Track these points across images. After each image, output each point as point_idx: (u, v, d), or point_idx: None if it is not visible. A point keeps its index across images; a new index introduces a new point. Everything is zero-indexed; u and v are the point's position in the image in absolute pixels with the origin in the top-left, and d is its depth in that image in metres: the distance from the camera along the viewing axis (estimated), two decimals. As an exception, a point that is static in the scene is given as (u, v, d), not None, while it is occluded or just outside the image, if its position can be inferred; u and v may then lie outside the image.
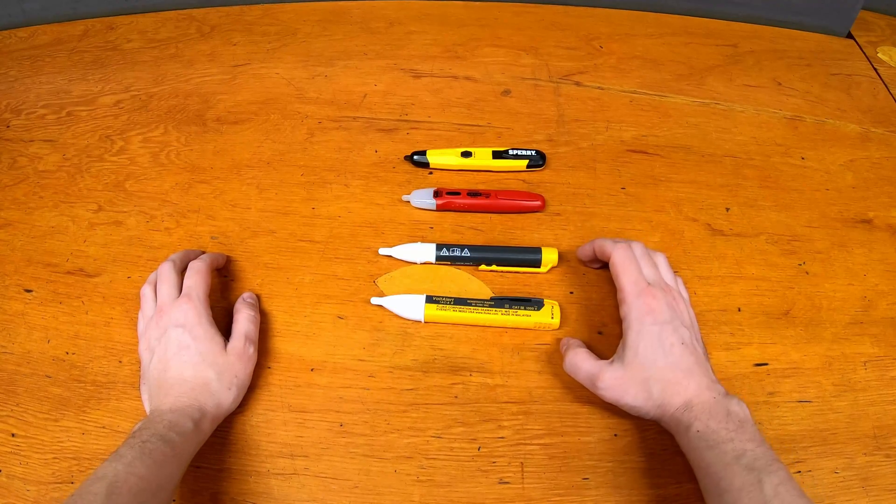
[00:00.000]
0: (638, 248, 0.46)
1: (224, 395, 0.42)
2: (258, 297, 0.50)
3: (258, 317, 0.48)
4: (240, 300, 0.49)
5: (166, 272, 0.46)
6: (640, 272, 0.44)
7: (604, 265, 0.50)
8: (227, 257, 0.53)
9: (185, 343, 0.43)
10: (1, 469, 0.43)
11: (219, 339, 0.44)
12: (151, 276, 0.48)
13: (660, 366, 0.40)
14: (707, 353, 0.43)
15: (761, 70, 0.69)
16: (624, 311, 0.43)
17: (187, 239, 0.54)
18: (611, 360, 0.43)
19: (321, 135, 0.62)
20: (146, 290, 0.47)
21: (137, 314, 0.48)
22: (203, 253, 0.51)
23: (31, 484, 0.42)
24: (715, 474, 0.36)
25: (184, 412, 0.40)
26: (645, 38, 0.72)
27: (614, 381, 0.41)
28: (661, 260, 0.47)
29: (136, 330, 0.48)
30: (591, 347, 0.48)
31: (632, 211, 0.55)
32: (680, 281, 0.47)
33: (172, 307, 0.44)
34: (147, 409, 0.43)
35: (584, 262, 0.52)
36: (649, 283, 0.43)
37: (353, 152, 0.60)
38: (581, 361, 0.43)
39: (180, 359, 0.42)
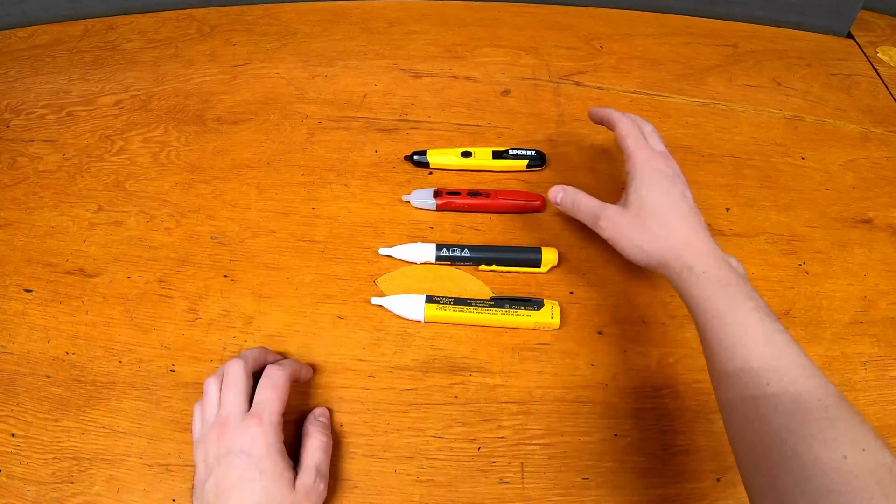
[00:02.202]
0: (647, 126, 0.49)
1: None
2: (330, 412, 0.45)
3: (331, 442, 0.42)
4: (311, 419, 0.43)
5: (236, 375, 0.40)
6: (645, 140, 0.46)
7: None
8: (313, 369, 0.46)
9: (249, 476, 0.37)
10: (1, 469, 0.43)
11: (288, 474, 0.38)
12: (219, 370, 0.42)
13: (665, 211, 0.42)
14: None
15: (761, 70, 0.69)
16: (629, 166, 0.45)
17: (187, 239, 0.54)
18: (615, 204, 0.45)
19: (321, 135, 0.62)
20: (211, 388, 0.41)
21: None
22: (282, 357, 0.45)
23: (31, 484, 0.42)
24: (723, 314, 0.37)
25: None
26: (645, 38, 0.72)
27: (618, 218, 0.43)
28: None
29: (136, 330, 0.48)
30: (590, 347, 0.48)
31: (632, 211, 0.55)
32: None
33: (239, 428, 0.38)
34: None
35: (592, 120, 0.52)
36: (655, 149, 0.46)
37: (353, 152, 0.60)
38: (583, 198, 0.45)
39: (241, 491, 0.37)
